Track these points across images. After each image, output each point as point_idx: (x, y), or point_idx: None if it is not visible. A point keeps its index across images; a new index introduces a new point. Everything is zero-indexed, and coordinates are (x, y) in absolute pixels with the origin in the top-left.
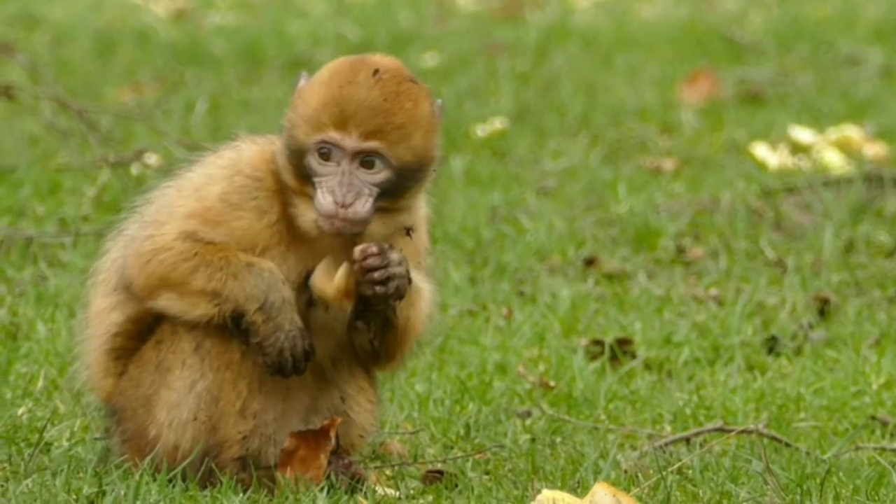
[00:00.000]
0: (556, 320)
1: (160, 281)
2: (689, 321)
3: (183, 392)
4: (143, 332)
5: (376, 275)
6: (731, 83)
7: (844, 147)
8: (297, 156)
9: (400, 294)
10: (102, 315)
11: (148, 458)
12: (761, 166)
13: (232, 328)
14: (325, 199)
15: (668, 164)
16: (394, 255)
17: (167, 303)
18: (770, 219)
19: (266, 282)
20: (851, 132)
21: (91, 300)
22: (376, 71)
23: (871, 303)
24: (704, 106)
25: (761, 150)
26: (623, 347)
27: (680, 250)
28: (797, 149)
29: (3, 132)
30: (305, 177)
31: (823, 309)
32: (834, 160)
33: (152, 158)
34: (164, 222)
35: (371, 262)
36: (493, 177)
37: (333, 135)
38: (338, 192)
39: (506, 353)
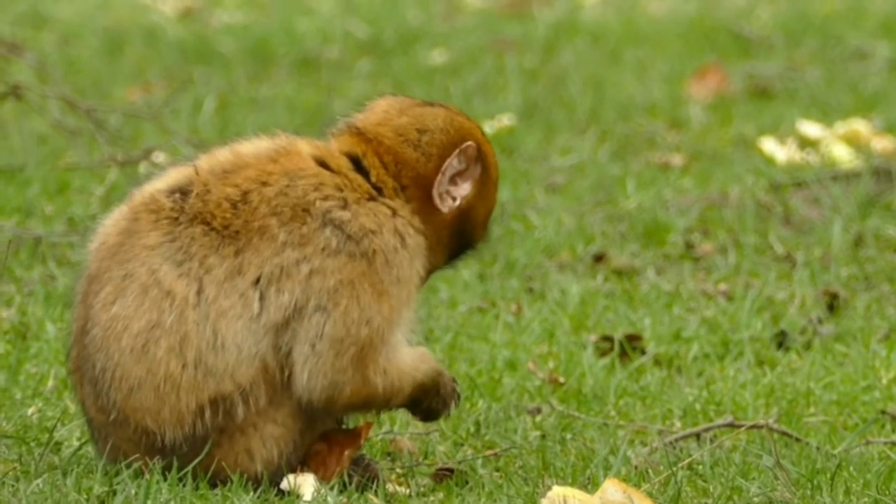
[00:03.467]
0: (565, 317)
1: (353, 406)
2: (698, 316)
3: (287, 428)
4: None
5: None
6: (740, 78)
7: (853, 141)
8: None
9: None
10: (207, 382)
11: (159, 460)
12: (770, 161)
13: None
14: None
15: (677, 160)
16: None
17: (347, 415)
18: (779, 213)
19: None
20: (860, 126)
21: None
22: None
23: (881, 297)
24: (713, 101)
25: (770, 145)
26: (632, 343)
27: (689, 246)
28: (805, 143)
29: (11, 132)
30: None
31: (832, 303)
32: (842, 154)
33: (160, 157)
34: (365, 352)
35: None
36: (502, 173)
37: None
38: None
39: (515, 350)
